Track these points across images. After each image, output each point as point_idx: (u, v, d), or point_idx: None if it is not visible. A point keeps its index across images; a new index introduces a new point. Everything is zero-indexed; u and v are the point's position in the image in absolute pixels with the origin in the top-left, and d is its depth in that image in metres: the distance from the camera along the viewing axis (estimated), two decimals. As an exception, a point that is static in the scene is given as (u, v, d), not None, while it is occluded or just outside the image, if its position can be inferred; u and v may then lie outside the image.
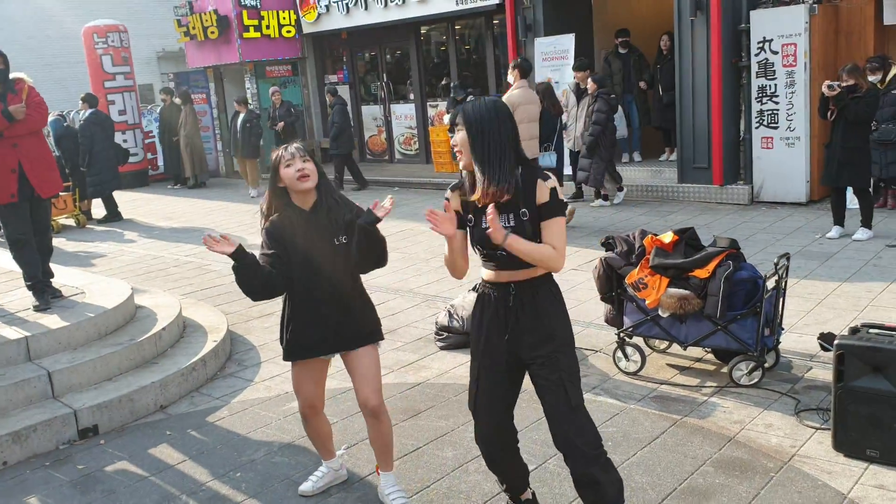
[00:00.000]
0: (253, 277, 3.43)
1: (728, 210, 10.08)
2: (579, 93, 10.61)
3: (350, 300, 3.64)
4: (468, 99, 11.21)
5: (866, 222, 8.09)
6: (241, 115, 14.28)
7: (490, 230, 2.91)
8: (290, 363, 3.73)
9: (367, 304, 3.75)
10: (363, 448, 4.35)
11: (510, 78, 9.25)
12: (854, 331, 4.00)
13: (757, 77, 9.95)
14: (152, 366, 5.41)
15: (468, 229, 3.14)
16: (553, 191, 2.99)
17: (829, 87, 7.58)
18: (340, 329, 3.61)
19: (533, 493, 3.54)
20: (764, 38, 9.78)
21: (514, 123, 3.07)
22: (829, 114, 7.78)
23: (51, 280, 6.16)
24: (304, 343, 3.63)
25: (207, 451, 4.50)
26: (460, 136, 3.03)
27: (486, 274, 3.16)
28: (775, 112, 9.86)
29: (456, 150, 3.09)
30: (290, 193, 3.55)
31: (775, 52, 9.71)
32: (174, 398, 5.24)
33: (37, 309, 5.70)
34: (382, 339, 3.79)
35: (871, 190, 8.24)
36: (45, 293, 5.86)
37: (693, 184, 10.76)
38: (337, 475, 4.00)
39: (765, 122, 10.00)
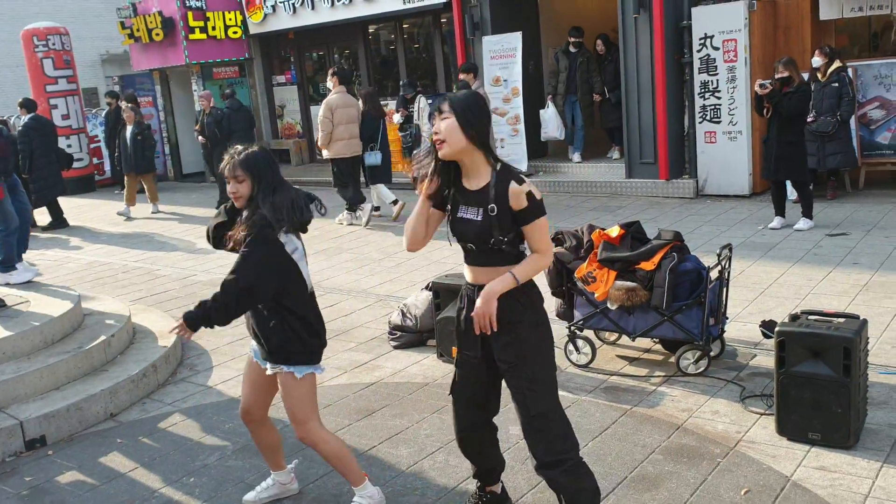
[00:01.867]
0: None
1: (674, 203, 10.27)
2: None
3: (259, 315, 3.46)
4: (417, 96, 11.31)
5: (807, 213, 8.32)
6: (130, 128, 12.87)
7: (480, 310, 3.01)
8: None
9: (277, 329, 3.43)
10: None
11: (329, 84, 10.44)
12: (794, 318, 4.13)
13: (699, 73, 10.16)
14: (101, 373, 5.33)
15: (447, 217, 3.18)
16: (530, 195, 2.98)
17: (761, 86, 7.78)
18: (258, 334, 3.49)
19: (503, 489, 3.57)
20: (705, 34, 9.99)
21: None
22: (764, 111, 7.99)
23: None
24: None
25: (160, 458, 4.45)
26: (446, 123, 3.00)
27: (465, 270, 3.22)
28: (717, 107, 10.07)
29: (438, 138, 3.03)
30: None
31: (716, 48, 9.93)
32: (125, 405, 5.17)
33: None
34: (288, 364, 3.45)
35: (810, 181, 8.49)
36: None
37: (640, 179, 10.94)
38: (285, 489, 3.88)
39: (708, 117, 10.21)
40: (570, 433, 3.15)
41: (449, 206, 3.16)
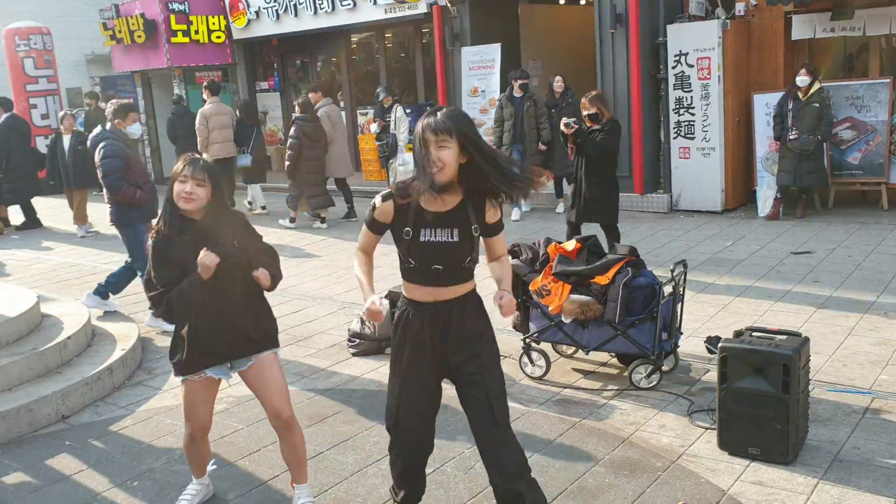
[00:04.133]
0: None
1: (648, 218, 10.33)
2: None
3: (253, 304, 3.62)
4: (394, 106, 11.49)
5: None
6: (67, 138, 11.63)
7: (504, 309, 3.00)
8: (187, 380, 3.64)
9: (266, 312, 3.71)
10: (266, 454, 4.36)
11: (205, 96, 11.99)
12: (738, 334, 4.18)
13: (674, 89, 10.25)
14: (55, 375, 5.31)
15: (403, 241, 3.04)
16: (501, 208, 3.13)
17: (567, 125, 7.08)
18: (243, 335, 3.58)
19: None
20: (680, 51, 10.08)
21: None
22: (569, 151, 7.35)
23: None
24: (205, 352, 3.57)
25: (107, 461, 4.44)
26: (448, 154, 2.91)
27: (412, 291, 3.09)
28: (691, 123, 10.16)
29: (439, 164, 2.92)
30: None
31: (691, 66, 10.02)
32: (77, 408, 5.15)
33: None
34: (278, 345, 3.73)
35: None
36: None
37: (615, 192, 10.99)
38: (208, 490, 3.95)
39: (682, 133, 10.29)
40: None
41: (408, 230, 3.03)
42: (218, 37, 15.87)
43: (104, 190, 6.58)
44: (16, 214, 12.95)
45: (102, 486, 4.15)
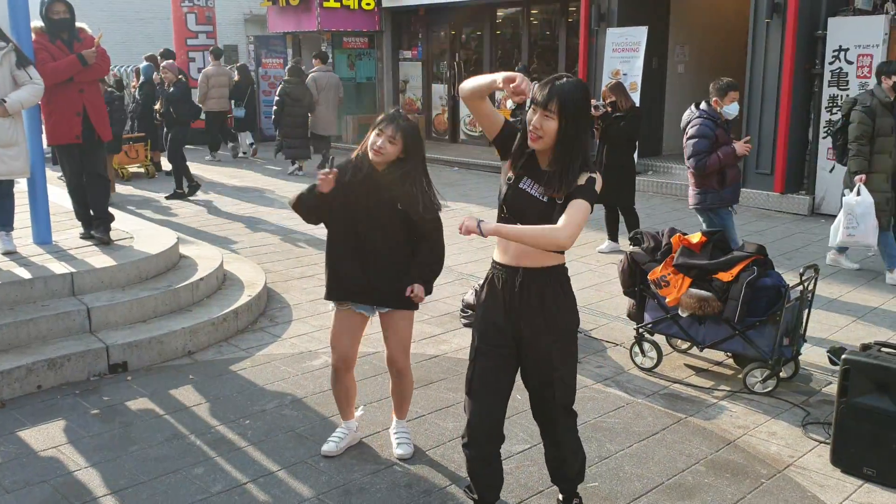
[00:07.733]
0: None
1: (786, 219, 9.86)
2: None
3: (397, 263, 3.76)
4: (532, 81, 11.61)
5: (613, 236, 8.18)
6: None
7: (465, 226, 2.86)
8: (323, 321, 3.85)
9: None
10: (371, 409, 4.51)
11: (209, 59, 15.07)
12: (865, 347, 3.96)
13: (829, 86, 9.69)
14: (186, 313, 5.66)
15: (505, 184, 3.08)
16: (590, 179, 2.92)
17: (595, 107, 7.42)
18: (380, 285, 3.76)
19: None
20: (840, 46, 9.50)
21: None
22: (595, 133, 7.73)
23: (111, 221, 6.50)
24: (344, 287, 3.80)
25: (223, 398, 4.71)
26: (549, 125, 2.89)
27: (497, 254, 3.11)
28: (844, 123, 9.56)
29: (538, 133, 2.91)
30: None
31: (850, 62, 9.43)
32: (202, 345, 5.48)
33: (82, 237, 6.33)
34: (416, 307, 3.88)
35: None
36: (90, 226, 6.41)
37: (754, 189, 10.53)
38: (355, 436, 4.12)
39: (832, 133, 9.71)
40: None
41: (510, 176, 3.05)
42: (367, 4, 16.19)
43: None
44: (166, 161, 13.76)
45: (217, 421, 4.41)
